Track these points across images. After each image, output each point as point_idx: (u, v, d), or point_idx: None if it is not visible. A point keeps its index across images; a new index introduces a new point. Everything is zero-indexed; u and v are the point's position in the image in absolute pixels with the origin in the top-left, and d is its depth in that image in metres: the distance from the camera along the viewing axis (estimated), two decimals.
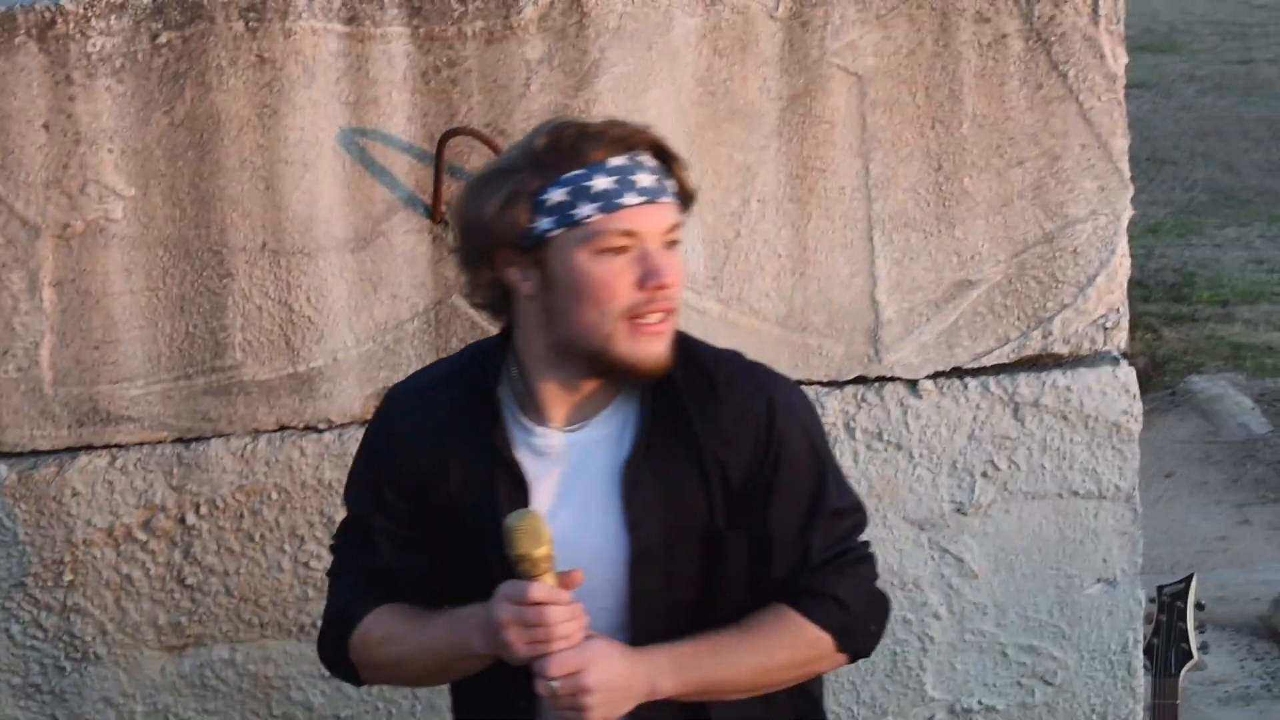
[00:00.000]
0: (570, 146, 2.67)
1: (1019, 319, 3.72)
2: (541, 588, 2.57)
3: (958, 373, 3.73)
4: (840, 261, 3.66)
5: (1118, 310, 3.74)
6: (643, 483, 2.71)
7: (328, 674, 3.59)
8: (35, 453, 3.57)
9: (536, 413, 2.76)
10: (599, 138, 2.67)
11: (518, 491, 2.73)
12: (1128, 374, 3.77)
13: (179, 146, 3.49)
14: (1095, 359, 3.76)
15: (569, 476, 2.76)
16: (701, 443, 2.73)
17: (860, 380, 3.71)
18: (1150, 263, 8.37)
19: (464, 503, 2.77)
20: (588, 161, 2.65)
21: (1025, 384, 3.73)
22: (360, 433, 3.52)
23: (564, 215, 2.65)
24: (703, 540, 2.72)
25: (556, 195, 2.65)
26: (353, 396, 3.60)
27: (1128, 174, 3.70)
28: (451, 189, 3.52)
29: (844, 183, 3.64)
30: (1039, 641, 3.83)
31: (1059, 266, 3.70)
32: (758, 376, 2.82)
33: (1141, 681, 3.87)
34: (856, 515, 2.82)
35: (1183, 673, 3.86)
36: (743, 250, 3.63)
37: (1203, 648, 3.91)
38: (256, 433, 3.60)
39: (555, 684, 2.59)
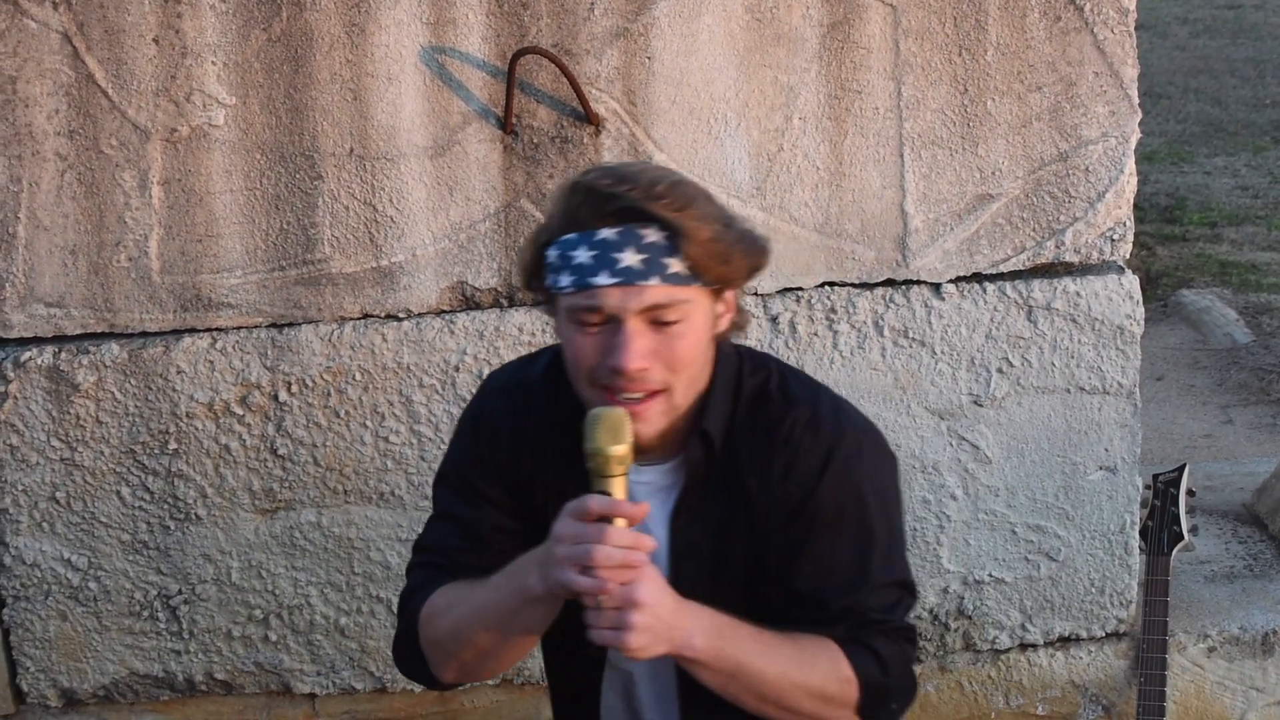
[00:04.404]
0: (575, 209, 2.35)
1: (1034, 230, 3.63)
2: (603, 500, 2.24)
3: (977, 278, 3.66)
4: (873, 175, 3.58)
5: (1124, 224, 3.66)
6: (689, 533, 2.44)
7: (404, 536, 3.59)
8: (144, 334, 3.56)
9: None
10: (604, 204, 2.32)
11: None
12: (1131, 282, 3.69)
13: (276, 60, 3.43)
14: (1103, 268, 3.69)
15: None
16: (750, 495, 2.44)
17: (889, 283, 3.65)
18: (1146, 187, 8.27)
19: (550, 516, 2.38)
20: (584, 227, 2.33)
21: (1039, 289, 3.65)
22: (436, 322, 3.52)
23: (554, 278, 2.37)
24: (743, 591, 2.42)
25: (553, 256, 2.37)
26: (429, 289, 3.54)
27: (1136, 100, 3.61)
28: (521, 103, 3.47)
29: (878, 103, 3.55)
30: (1045, 521, 3.78)
31: (1072, 183, 3.62)
32: (824, 429, 2.45)
33: (1137, 559, 3.83)
34: (904, 593, 2.49)
35: (1174, 552, 3.85)
36: (785, 163, 3.55)
37: (1192, 530, 3.91)
38: (342, 320, 3.56)
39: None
